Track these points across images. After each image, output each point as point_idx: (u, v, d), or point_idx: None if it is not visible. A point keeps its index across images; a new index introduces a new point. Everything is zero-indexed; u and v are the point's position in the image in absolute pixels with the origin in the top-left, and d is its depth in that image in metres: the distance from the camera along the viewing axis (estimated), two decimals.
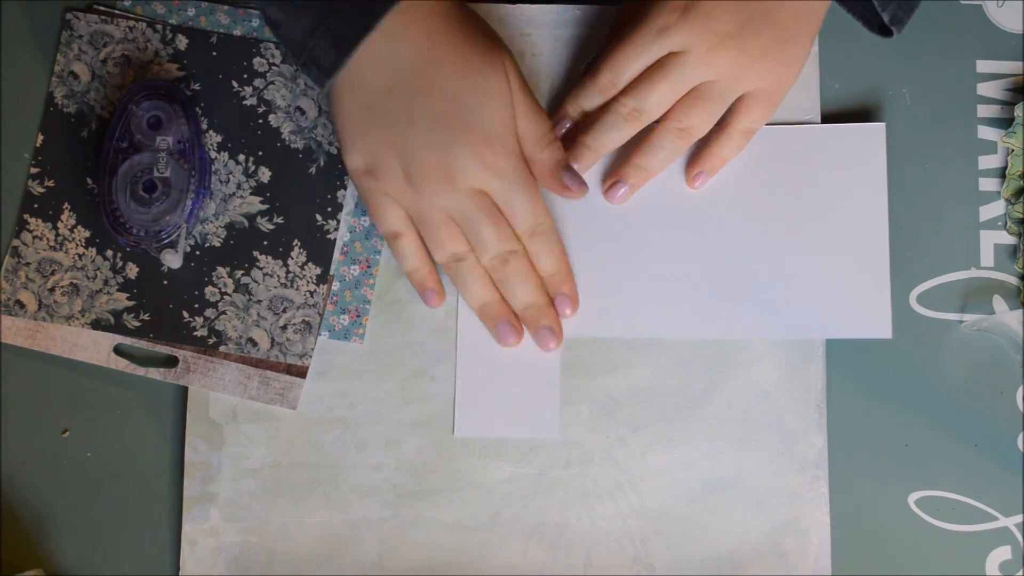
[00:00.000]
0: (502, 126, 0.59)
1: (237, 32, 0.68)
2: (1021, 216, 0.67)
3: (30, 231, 0.66)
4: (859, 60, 0.68)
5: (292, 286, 0.66)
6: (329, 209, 0.66)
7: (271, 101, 0.67)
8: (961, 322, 0.66)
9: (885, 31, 0.61)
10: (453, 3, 0.60)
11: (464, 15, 0.60)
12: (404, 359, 0.66)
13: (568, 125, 0.64)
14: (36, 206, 0.67)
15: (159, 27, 0.68)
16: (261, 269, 0.66)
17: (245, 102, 0.67)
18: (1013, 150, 0.67)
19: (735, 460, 0.65)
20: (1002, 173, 0.67)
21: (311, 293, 0.66)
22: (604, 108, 0.63)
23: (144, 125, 0.65)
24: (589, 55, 0.67)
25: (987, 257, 0.67)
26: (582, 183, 0.62)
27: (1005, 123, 0.68)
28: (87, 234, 0.66)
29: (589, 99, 0.63)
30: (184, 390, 0.65)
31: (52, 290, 0.66)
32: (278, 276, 0.66)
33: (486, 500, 0.65)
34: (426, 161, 0.59)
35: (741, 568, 0.64)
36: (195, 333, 0.65)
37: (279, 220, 0.66)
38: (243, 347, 0.65)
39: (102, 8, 0.68)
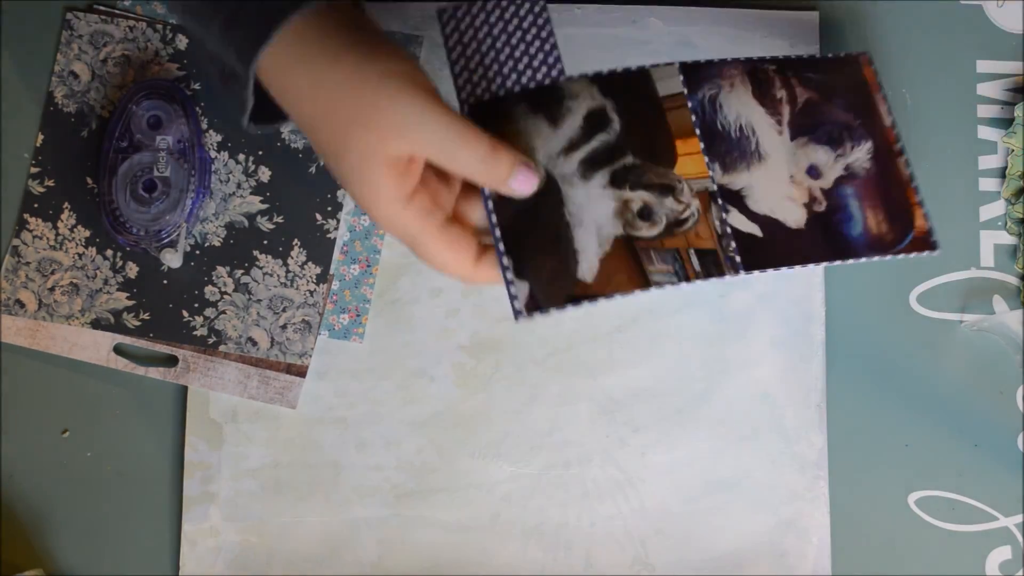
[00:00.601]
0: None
1: None
2: (1021, 216, 0.67)
3: (30, 231, 0.66)
4: None
5: (292, 285, 0.66)
6: (329, 208, 0.66)
7: None
8: (961, 322, 0.66)
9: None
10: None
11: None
12: (404, 359, 0.66)
13: None
14: (36, 206, 0.67)
15: (159, 27, 0.68)
16: (261, 268, 0.66)
17: None
18: (1013, 150, 0.67)
19: (735, 460, 0.65)
20: (1002, 173, 0.67)
21: (311, 292, 0.66)
22: None
23: (144, 125, 0.65)
24: (589, 54, 0.67)
25: (987, 257, 0.67)
26: None
27: (1005, 123, 0.68)
28: (87, 234, 0.66)
29: None
30: (184, 390, 0.65)
31: (52, 289, 0.66)
32: (278, 275, 0.66)
33: (486, 500, 0.65)
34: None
35: (741, 568, 0.64)
36: (195, 332, 0.65)
37: (279, 220, 0.66)
38: (243, 346, 0.65)
39: (102, 8, 0.68)
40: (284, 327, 0.65)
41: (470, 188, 0.54)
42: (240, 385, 0.65)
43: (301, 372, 0.65)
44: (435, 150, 0.50)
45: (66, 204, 0.67)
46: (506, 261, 0.54)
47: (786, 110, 0.59)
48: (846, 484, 0.65)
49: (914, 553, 0.64)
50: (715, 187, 0.57)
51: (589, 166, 0.56)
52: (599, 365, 0.66)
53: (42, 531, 0.65)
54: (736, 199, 0.57)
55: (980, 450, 0.65)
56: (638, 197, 0.56)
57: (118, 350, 0.66)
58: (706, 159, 0.57)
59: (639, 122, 0.57)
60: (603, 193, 0.56)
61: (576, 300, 0.54)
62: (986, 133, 0.68)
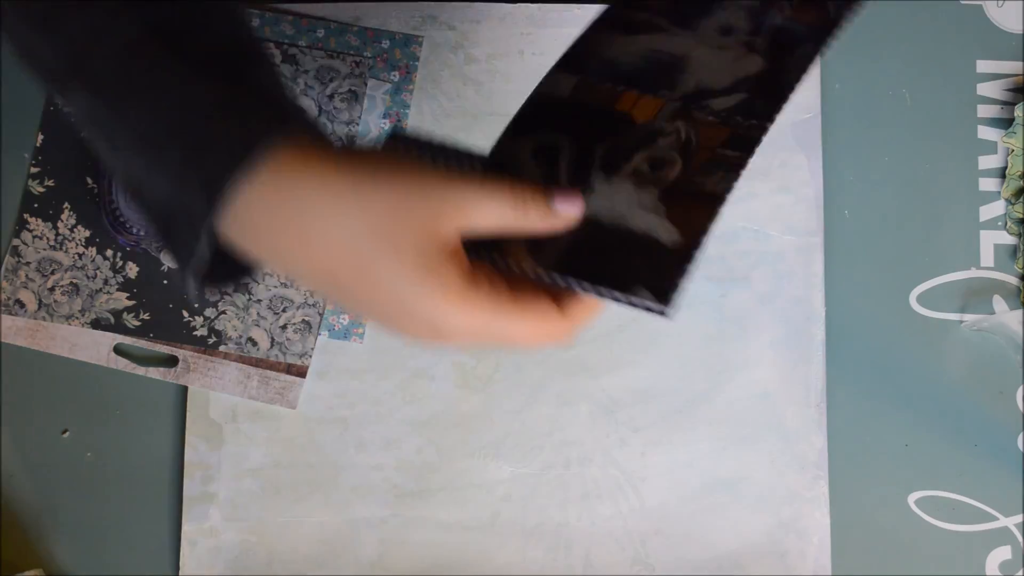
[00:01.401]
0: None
1: None
2: (1021, 216, 0.67)
3: (30, 230, 0.66)
4: (860, 60, 0.68)
5: (292, 285, 0.66)
6: None
7: None
8: (961, 322, 0.66)
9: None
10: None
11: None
12: (404, 359, 0.66)
13: None
14: (36, 205, 0.67)
15: None
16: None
17: None
18: (1013, 150, 0.67)
19: (735, 460, 0.65)
20: (1002, 173, 0.67)
21: (311, 293, 0.66)
22: None
23: None
24: None
25: (987, 257, 0.67)
26: None
27: (1005, 123, 0.68)
28: (87, 233, 0.66)
29: None
30: (184, 390, 0.65)
31: (52, 289, 0.66)
32: (278, 275, 0.66)
33: (486, 500, 0.65)
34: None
35: (741, 568, 0.64)
36: (195, 333, 0.65)
37: None
38: (243, 346, 0.65)
39: None
40: (284, 327, 0.65)
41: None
42: (240, 385, 0.65)
43: (301, 372, 0.65)
44: (470, 214, 0.45)
45: (66, 204, 0.67)
46: (609, 291, 0.52)
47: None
48: (846, 484, 0.65)
49: (914, 553, 0.64)
50: (675, 101, 0.58)
51: (580, 177, 0.57)
52: (599, 365, 0.66)
53: (42, 531, 0.65)
54: (696, 97, 0.58)
55: (980, 450, 0.65)
56: (639, 161, 0.57)
57: (118, 350, 0.66)
58: (646, 96, 0.58)
59: (583, 122, 0.58)
60: (613, 184, 0.57)
61: (684, 260, 0.52)
62: (986, 133, 0.68)
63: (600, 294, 0.51)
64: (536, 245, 0.52)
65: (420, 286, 0.43)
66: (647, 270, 0.53)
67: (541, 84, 0.58)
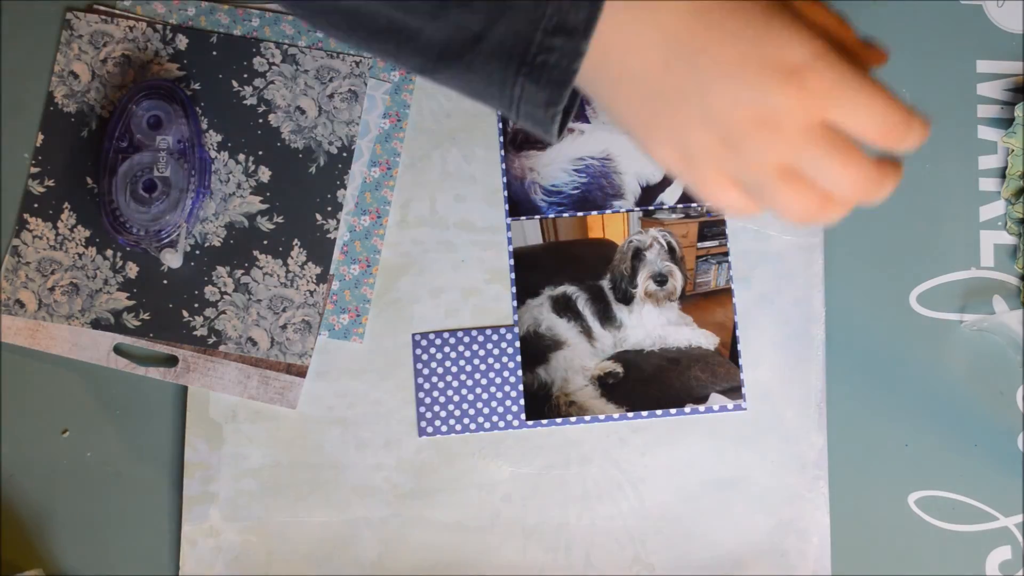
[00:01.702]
0: (803, 38, 0.46)
1: (237, 32, 0.68)
2: (1021, 216, 0.67)
3: (30, 230, 0.66)
4: None
5: (292, 285, 0.66)
6: (329, 208, 0.66)
7: (271, 101, 0.67)
8: (961, 322, 0.66)
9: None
10: None
11: None
12: (404, 359, 0.66)
13: None
14: (36, 206, 0.67)
15: (159, 27, 0.68)
16: (261, 268, 0.66)
17: (245, 102, 0.67)
18: (1013, 150, 0.67)
19: (735, 460, 0.65)
20: (1002, 173, 0.67)
21: (311, 292, 0.66)
22: None
23: (144, 125, 0.65)
24: None
25: (987, 257, 0.67)
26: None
27: (1005, 123, 0.68)
28: (87, 233, 0.66)
29: None
30: (184, 390, 0.65)
31: (52, 289, 0.66)
32: (278, 275, 0.66)
33: (486, 500, 0.65)
34: (740, 116, 0.46)
35: (741, 568, 0.64)
36: (195, 332, 0.65)
37: (279, 220, 0.66)
38: (243, 346, 0.65)
39: (102, 8, 0.68)
40: (284, 327, 0.65)
41: None
42: (240, 385, 0.65)
43: (301, 372, 0.65)
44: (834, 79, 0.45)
45: (66, 204, 0.67)
46: (693, 409, 0.65)
47: None
48: (846, 484, 0.65)
49: (914, 553, 0.64)
50: (634, 208, 0.66)
51: (608, 317, 0.65)
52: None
53: (42, 531, 0.65)
54: (646, 199, 0.66)
55: (980, 450, 0.65)
56: (644, 282, 0.65)
57: (118, 350, 0.66)
58: (606, 213, 0.66)
59: (573, 261, 0.63)
60: (636, 314, 0.65)
61: (734, 356, 0.66)
62: (986, 133, 0.68)
63: (684, 413, 0.63)
64: (608, 389, 0.64)
65: (789, 20, 0.45)
66: (710, 377, 0.64)
67: (512, 242, 0.65)
